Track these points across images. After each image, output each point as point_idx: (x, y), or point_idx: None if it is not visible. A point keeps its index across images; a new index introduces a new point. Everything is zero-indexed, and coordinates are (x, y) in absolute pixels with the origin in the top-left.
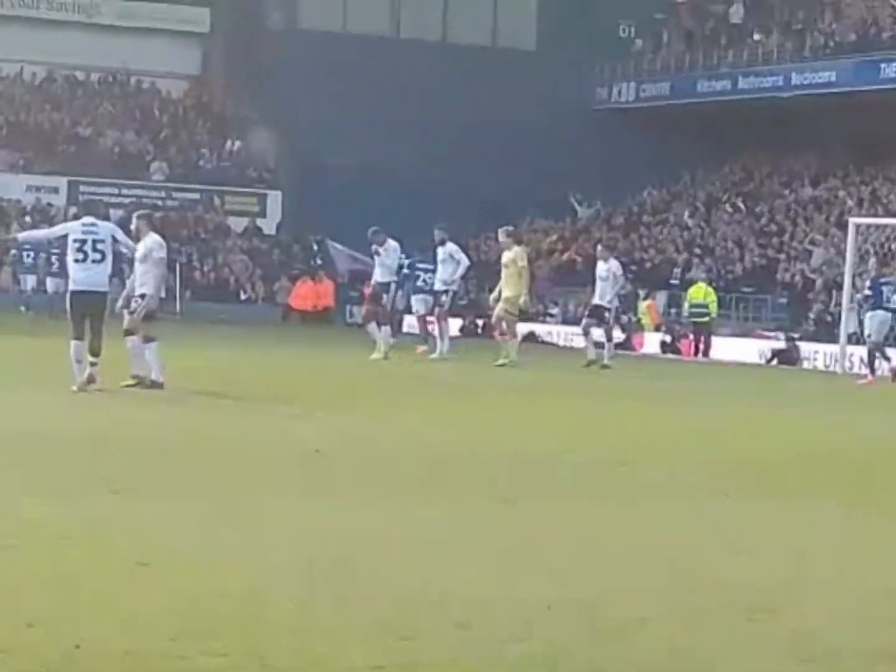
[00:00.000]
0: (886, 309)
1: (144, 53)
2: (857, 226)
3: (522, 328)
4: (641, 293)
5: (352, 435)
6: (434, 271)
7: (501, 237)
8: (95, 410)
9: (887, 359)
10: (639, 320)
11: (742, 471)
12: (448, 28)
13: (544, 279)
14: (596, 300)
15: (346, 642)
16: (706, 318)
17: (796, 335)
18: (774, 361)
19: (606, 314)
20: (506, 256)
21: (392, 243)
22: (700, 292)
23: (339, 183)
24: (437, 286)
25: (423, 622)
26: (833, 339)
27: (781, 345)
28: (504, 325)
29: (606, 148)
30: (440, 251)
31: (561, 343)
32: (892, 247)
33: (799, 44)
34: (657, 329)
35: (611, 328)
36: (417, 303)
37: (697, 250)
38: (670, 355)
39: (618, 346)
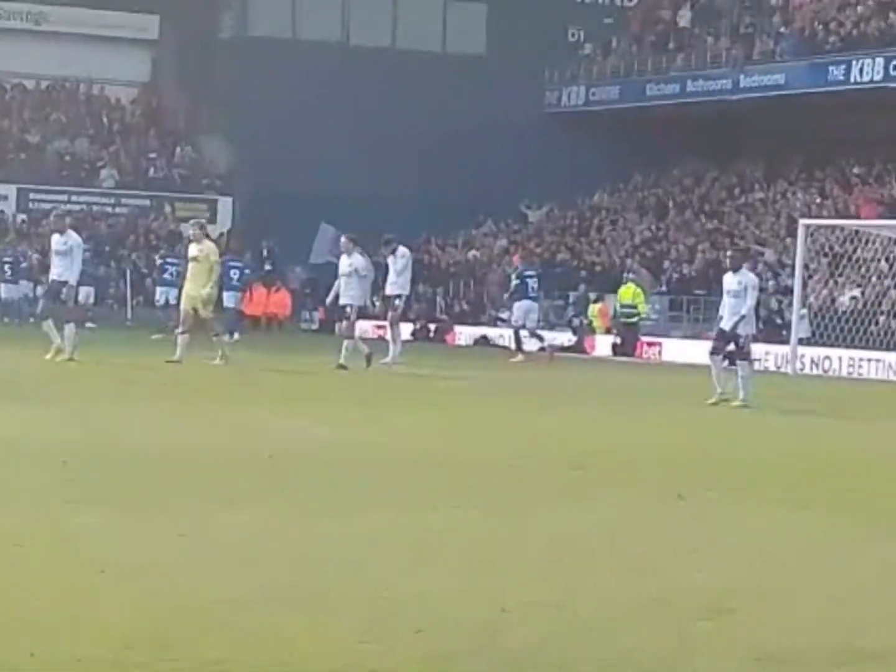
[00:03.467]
0: (531, 298)
1: (94, 61)
2: (807, 227)
3: (475, 332)
4: (592, 296)
5: (303, 440)
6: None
7: (193, 230)
8: (70, 417)
9: (541, 339)
10: (590, 323)
11: (695, 473)
12: (398, 34)
13: (496, 284)
14: (342, 300)
15: (305, 649)
16: (635, 319)
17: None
18: (725, 363)
19: (348, 309)
20: (195, 250)
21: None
22: (629, 293)
23: (290, 189)
24: (389, 290)
25: (383, 628)
26: (784, 340)
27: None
28: (211, 324)
29: (557, 151)
30: (391, 257)
31: (513, 346)
32: (842, 248)
33: (747, 47)
34: (608, 332)
35: (353, 325)
36: (229, 298)
37: (649, 253)
38: (622, 357)
39: (569, 349)
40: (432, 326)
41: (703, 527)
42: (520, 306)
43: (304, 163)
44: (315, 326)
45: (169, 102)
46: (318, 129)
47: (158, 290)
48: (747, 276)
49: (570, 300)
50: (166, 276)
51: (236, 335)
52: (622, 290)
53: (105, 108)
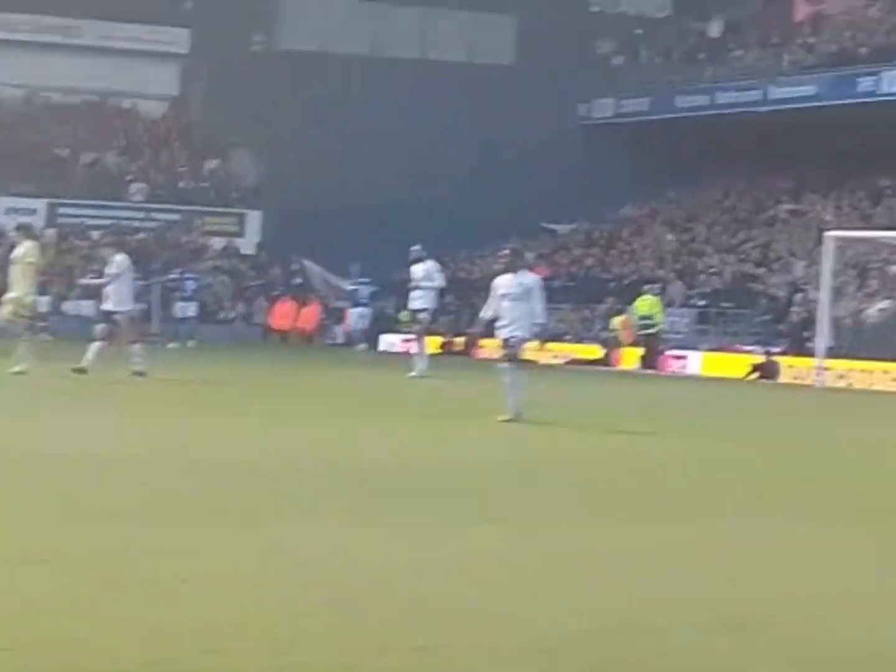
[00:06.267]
0: None
1: (125, 75)
2: (835, 240)
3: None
4: (617, 308)
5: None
6: None
7: (17, 232)
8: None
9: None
10: (615, 336)
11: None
12: (426, 45)
13: None
14: (107, 306)
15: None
16: (652, 330)
17: (775, 349)
18: (755, 376)
19: (119, 317)
20: (16, 252)
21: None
22: (645, 304)
23: (319, 202)
24: (415, 305)
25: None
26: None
27: (761, 359)
28: (16, 327)
29: (586, 163)
30: (418, 269)
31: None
32: (871, 260)
33: (777, 59)
34: (633, 344)
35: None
36: (184, 308)
37: (677, 266)
38: (650, 371)
39: (596, 362)
40: (458, 340)
41: None
42: None
43: (333, 176)
44: (341, 340)
45: (198, 116)
46: (347, 142)
47: (179, 304)
48: (529, 277)
49: (598, 313)
50: (186, 291)
51: (191, 342)
52: (639, 302)
53: (136, 122)
